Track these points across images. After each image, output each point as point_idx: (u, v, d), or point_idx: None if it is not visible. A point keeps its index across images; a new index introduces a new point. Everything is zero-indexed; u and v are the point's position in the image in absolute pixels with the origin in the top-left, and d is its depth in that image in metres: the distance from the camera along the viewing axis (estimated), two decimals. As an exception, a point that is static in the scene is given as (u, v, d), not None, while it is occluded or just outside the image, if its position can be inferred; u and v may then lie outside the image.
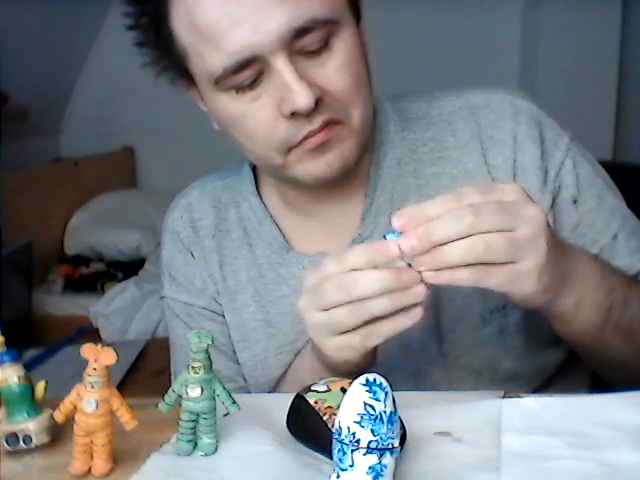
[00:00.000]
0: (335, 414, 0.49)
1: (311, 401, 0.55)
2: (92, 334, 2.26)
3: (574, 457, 0.51)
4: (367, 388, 0.46)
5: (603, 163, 0.81)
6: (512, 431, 0.55)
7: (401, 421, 0.50)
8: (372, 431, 0.45)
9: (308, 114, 0.66)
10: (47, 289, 2.56)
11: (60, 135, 3.19)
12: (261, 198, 0.83)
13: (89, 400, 0.51)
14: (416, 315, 0.58)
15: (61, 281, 2.56)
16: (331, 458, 0.48)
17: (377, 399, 0.45)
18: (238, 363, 0.82)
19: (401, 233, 0.56)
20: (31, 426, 0.56)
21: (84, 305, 2.42)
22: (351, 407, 0.46)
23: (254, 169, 0.84)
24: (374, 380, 0.46)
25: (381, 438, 0.45)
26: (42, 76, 2.63)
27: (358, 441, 0.45)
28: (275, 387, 0.79)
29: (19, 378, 0.57)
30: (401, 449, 0.49)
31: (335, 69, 0.68)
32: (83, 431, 0.52)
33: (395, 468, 0.47)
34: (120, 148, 3.27)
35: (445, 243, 0.55)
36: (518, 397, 0.60)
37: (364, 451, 0.45)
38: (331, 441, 0.47)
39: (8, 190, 2.26)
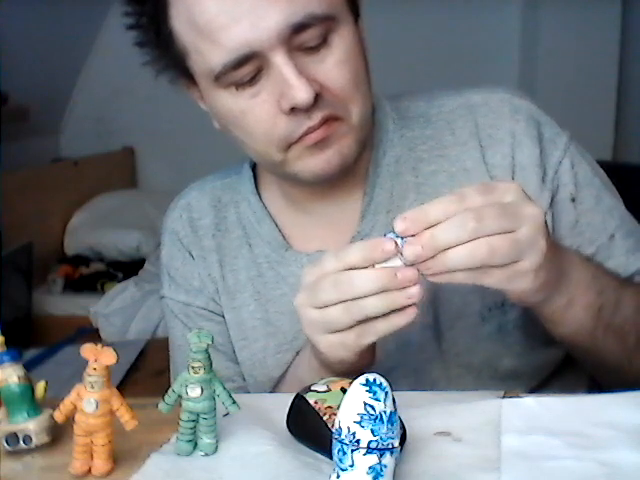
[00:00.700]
0: (335, 414, 0.49)
1: (311, 401, 0.55)
2: (92, 334, 2.26)
3: (574, 457, 0.51)
4: (367, 388, 0.46)
5: (603, 163, 0.81)
6: (512, 431, 0.55)
7: (401, 421, 0.50)
8: (372, 431, 0.45)
9: (307, 110, 0.67)
10: (47, 289, 2.56)
11: (60, 135, 3.19)
12: (260, 197, 0.83)
13: (89, 400, 0.51)
14: (410, 315, 0.58)
15: (61, 281, 2.56)
16: (331, 458, 0.48)
17: (377, 399, 0.46)
18: (237, 363, 0.83)
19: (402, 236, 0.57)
20: (31, 426, 0.56)
21: (84, 305, 2.42)
22: (351, 407, 0.46)
23: (254, 168, 0.85)
24: (374, 380, 0.46)
25: (381, 438, 0.45)
26: (42, 76, 2.63)
27: (358, 441, 0.45)
28: (275, 386, 0.79)
29: (19, 378, 0.57)
30: (401, 449, 0.49)
31: (334, 65, 0.68)
32: (83, 431, 0.52)
33: (395, 468, 0.47)
34: (120, 148, 3.27)
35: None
36: (518, 397, 0.60)
37: (364, 451, 0.45)
38: (331, 441, 0.47)
39: (8, 190, 2.26)
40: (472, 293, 0.74)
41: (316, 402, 0.55)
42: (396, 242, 0.56)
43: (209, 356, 0.53)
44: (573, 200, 0.75)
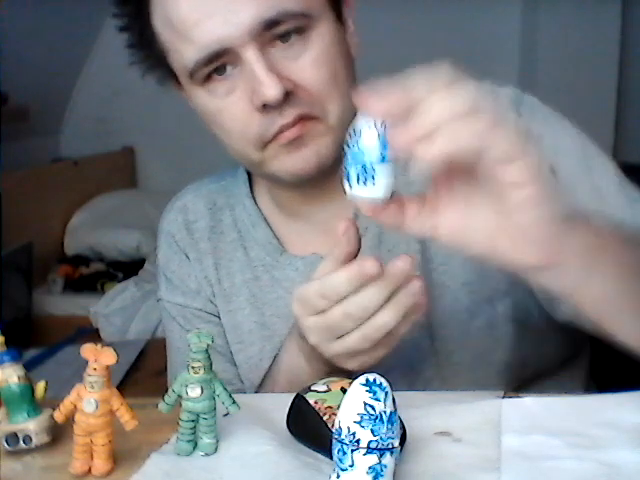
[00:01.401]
0: (335, 414, 0.49)
1: (311, 401, 0.55)
2: (92, 334, 2.26)
3: (574, 457, 0.51)
4: (367, 388, 0.46)
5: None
6: (512, 431, 0.55)
7: (401, 421, 0.50)
8: (372, 431, 0.45)
9: (280, 107, 0.66)
10: (47, 289, 2.56)
11: (60, 135, 3.19)
12: (255, 200, 0.83)
13: (89, 400, 0.51)
14: (421, 307, 0.59)
15: (61, 281, 2.56)
16: (331, 458, 0.48)
17: (377, 399, 0.46)
18: (235, 365, 0.82)
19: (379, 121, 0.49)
20: (31, 426, 0.56)
21: (84, 305, 2.42)
22: (351, 407, 0.46)
23: (249, 172, 0.85)
24: (374, 380, 0.46)
25: (381, 438, 0.45)
26: (42, 76, 2.63)
27: (358, 441, 0.45)
28: (260, 387, 0.78)
29: (19, 378, 0.57)
30: (401, 449, 0.49)
31: (309, 63, 0.68)
32: (83, 431, 0.52)
33: (395, 468, 0.47)
34: (120, 148, 3.27)
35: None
36: (518, 397, 0.60)
37: (364, 451, 0.45)
38: (331, 441, 0.47)
39: (8, 190, 2.26)
40: (461, 289, 0.74)
41: (316, 402, 0.55)
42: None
43: (209, 356, 0.53)
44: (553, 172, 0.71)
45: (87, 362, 0.52)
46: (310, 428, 0.55)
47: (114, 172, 3.20)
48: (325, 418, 0.53)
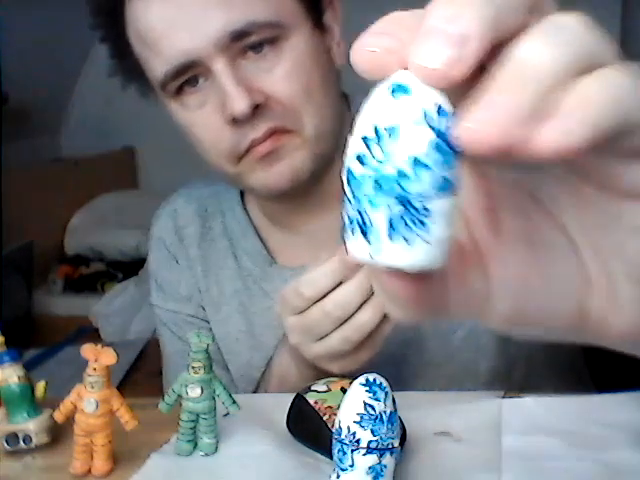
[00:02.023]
0: (335, 414, 0.49)
1: (311, 401, 0.55)
2: (92, 334, 2.26)
3: (574, 457, 0.51)
4: (367, 388, 0.46)
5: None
6: (512, 431, 0.55)
7: (401, 421, 0.50)
8: (372, 431, 0.45)
9: (251, 121, 0.65)
10: (47, 289, 2.56)
11: (60, 135, 3.19)
12: (246, 208, 0.82)
13: (89, 400, 0.51)
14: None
15: (61, 281, 2.56)
16: (331, 458, 0.48)
17: (377, 399, 0.45)
18: (229, 371, 0.81)
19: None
20: (31, 426, 0.56)
21: (84, 305, 2.42)
22: (351, 407, 0.46)
23: None
24: (374, 380, 0.46)
25: (381, 438, 0.45)
26: (42, 76, 2.63)
27: (358, 441, 0.45)
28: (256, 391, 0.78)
29: (19, 378, 0.57)
30: (401, 449, 0.49)
31: (282, 75, 0.66)
32: (83, 431, 0.52)
33: (395, 468, 0.47)
34: (120, 148, 3.27)
35: None
36: (518, 397, 0.60)
37: (364, 451, 0.45)
38: (331, 441, 0.47)
39: (8, 190, 2.26)
40: None
41: (316, 402, 0.55)
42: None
43: (209, 356, 0.53)
44: None
45: (87, 362, 0.52)
46: (310, 428, 0.55)
47: (114, 172, 3.20)
48: (325, 418, 0.53)
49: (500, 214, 0.26)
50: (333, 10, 0.73)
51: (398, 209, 0.22)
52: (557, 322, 0.27)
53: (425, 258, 0.22)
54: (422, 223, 0.22)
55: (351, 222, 0.23)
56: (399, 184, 0.22)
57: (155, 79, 0.69)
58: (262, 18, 0.64)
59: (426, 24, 0.21)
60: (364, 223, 0.23)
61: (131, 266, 2.60)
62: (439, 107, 0.21)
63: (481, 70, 0.21)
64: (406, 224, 0.22)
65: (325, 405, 0.54)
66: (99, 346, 0.52)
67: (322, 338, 0.59)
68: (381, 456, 0.46)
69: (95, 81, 3.16)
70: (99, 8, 0.71)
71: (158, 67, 0.67)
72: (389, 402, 0.46)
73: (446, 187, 0.22)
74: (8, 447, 0.56)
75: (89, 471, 0.53)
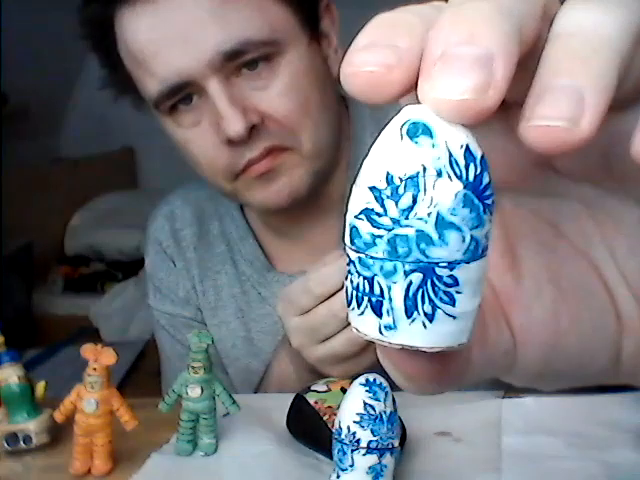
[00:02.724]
0: (335, 414, 0.49)
1: (311, 401, 0.55)
2: (92, 334, 2.26)
3: (574, 457, 0.51)
4: (367, 388, 0.46)
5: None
6: (512, 431, 0.55)
7: (401, 421, 0.50)
8: (372, 431, 0.45)
9: (247, 140, 0.64)
10: (47, 289, 2.56)
11: (60, 135, 3.19)
12: (244, 211, 0.81)
13: (89, 400, 0.51)
14: None
15: (61, 281, 2.56)
16: (331, 458, 0.48)
17: (377, 399, 0.45)
18: (228, 373, 0.81)
19: None
20: (31, 426, 0.56)
21: (84, 305, 2.42)
22: (351, 407, 0.46)
23: None
24: (374, 380, 0.46)
25: (381, 438, 0.45)
26: (42, 76, 2.62)
27: (358, 441, 0.45)
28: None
29: (19, 378, 0.57)
30: (401, 449, 0.49)
31: (278, 93, 0.64)
32: (83, 431, 0.52)
33: (395, 468, 0.47)
34: (120, 148, 3.27)
35: None
36: (518, 397, 0.60)
37: (364, 451, 0.45)
38: (331, 441, 0.47)
39: (8, 190, 2.26)
40: None
41: (316, 402, 0.55)
42: None
43: (209, 356, 0.53)
44: None
45: (87, 362, 0.52)
46: (310, 428, 0.55)
47: (114, 172, 3.20)
48: (325, 418, 0.53)
49: (519, 251, 0.23)
50: (330, 16, 0.71)
51: (418, 279, 0.18)
52: (590, 368, 0.24)
53: (449, 336, 0.18)
54: (448, 296, 0.18)
55: (357, 292, 0.19)
56: (419, 248, 0.18)
57: (148, 97, 0.67)
58: (257, 36, 0.63)
59: (434, 51, 0.17)
60: (374, 294, 0.18)
61: (131, 266, 2.60)
62: (467, 150, 0.18)
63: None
64: (428, 298, 0.18)
65: (325, 405, 0.54)
66: (99, 346, 0.52)
67: (326, 340, 0.59)
68: (381, 456, 0.46)
69: (95, 81, 3.16)
70: (89, 20, 0.70)
71: (150, 86, 0.66)
72: (389, 402, 0.46)
73: (477, 250, 0.18)
74: (8, 447, 0.56)
75: (89, 471, 0.53)
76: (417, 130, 0.18)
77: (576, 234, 0.23)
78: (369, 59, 0.17)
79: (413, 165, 0.17)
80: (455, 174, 0.17)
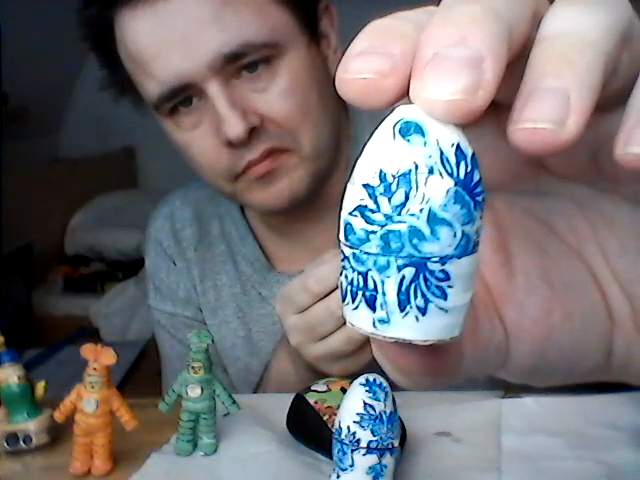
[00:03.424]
0: (335, 414, 0.49)
1: (311, 401, 0.55)
2: (92, 334, 2.26)
3: (574, 457, 0.51)
4: (367, 388, 0.46)
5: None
6: (512, 431, 0.55)
7: (401, 421, 0.50)
8: (372, 431, 0.45)
9: (247, 142, 0.64)
10: (47, 289, 2.56)
11: (60, 135, 3.19)
12: (244, 213, 0.81)
13: (89, 400, 0.51)
14: None
15: (61, 281, 2.56)
16: (331, 458, 0.48)
17: (377, 399, 0.45)
18: (228, 373, 0.81)
19: None
20: (31, 426, 0.56)
21: (84, 305, 2.42)
22: (351, 407, 0.46)
23: None
24: (374, 380, 0.46)
25: (381, 438, 0.45)
26: (42, 76, 2.62)
27: (358, 441, 0.45)
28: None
29: (19, 378, 0.57)
30: (401, 449, 0.49)
31: (277, 95, 0.65)
32: (83, 431, 0.52)
33: (395, 468, 0.47)
34: (120, 148, 3.27)
35: None
36: (518, 397, 0.60)
37: (364, 451, 0.45)
38: (331, 441, 0.47)
39: (8, 190, 2.26)
40: None
41: (316, 402, 0.55)
42: None
43: (209, 356, 0.53)
44: None
45: (87, 362, 0.52)
46: (310, 428, 0.55)
47: (114, 172, 3.20)
48: (325, 418, 0.53)
49: (512, 250, 0.24)
50: (329, 17, 0.71)
51: (411, 274, 0.18)
52: (582, 366, 0.24)
53: (441, 329, 0.19)
54: (440, 290, 0.19)
55: (352, 286, 0.19)
56: (412, 244, 0.18)
57: (148, 99, 0.68)
58: (257, 39, 0.63)
59: (426, 53, 0.17)
60: (368, 289, 0.19)
61: (131, 266, 2.60)
62: (458, 148, 0.18)
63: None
64: (420, 292, 0.19)
65: (325, 405, 0.54)
66: (99, 346, 0.52)
67: (324, 338, 0.59)
68: (381, 456, 0.46)
69: (95, 81, 3.16)
70: (88, 22, 0.70)
71: (151, 88, 0.66)
72: (389, 402, 0.46)
73: (468, 245, 0.19)
74: (8, 447, 0.56)
75: (89, 471, 0.53)
76: (409, 129, 0.18)
77: (568, 233, 0.23)
78: (364, 66, 0.18)
79: (405, 163, 0.18)
80: (446, 171, 0.18)
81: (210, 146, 0.66)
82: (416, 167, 0.18)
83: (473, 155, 0.18)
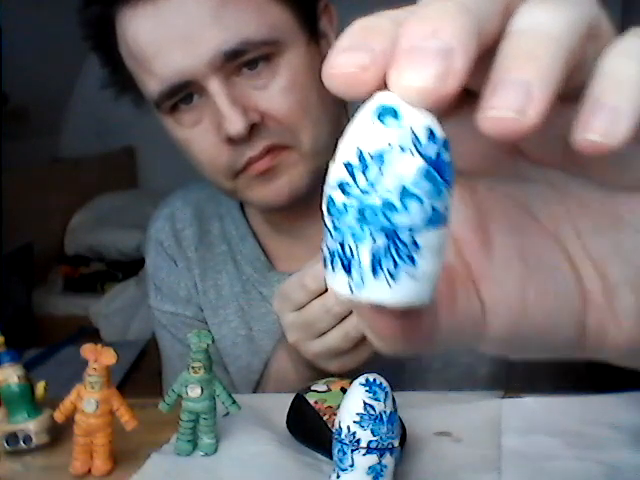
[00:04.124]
0: (335, 414, 0.49)
1: (311, 401, 0.55)
2: (92, 334, 2.26)
3: (574, 457, 0.51)
4: (367, 388, 0.46)
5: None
6: (512, 431, 0.55)
7: (401, 421, 0.50)
8: (372, 431, 0.45)
9: (248, 139, 0.64)
10: (47, 289, 2.56)
11: (60, 135, 3.19)
12: (244, 212, 0.82)
13: (89, 400, 0.51)
14: None
15: (61, 281, 2.56)
16: (331, 458, 0.48)
17: (377, 399, 0.45)
18: (228, 372, 0.81)
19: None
20: (31, 426, 0.56)
21: (84, 305, 2.42)
22: (351, 407, 0.46)
23: None
24: (374, 380, 0.46)
25: (381, 438, 0.45)
26: (42, 76, 2.63)
27: (358, 441, 0.45)
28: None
29: (19, 378, 0.57)
30: (401, 449, 0.49)
31: (277, 92, 0.65)
32: (83, 431, 0.52)
33: (395, 468, 0.47)
34: (120, 148, 3.27)
35: None
36: (518, 397, 0.60)
37: (364, 451, 0.45)
38: (331, 441, 0.47)
39: (8, 190, 2.26)
40: None
41: (316, 402, 0.55)
42: None
43: (209, 356, 0.53)
44: None
45: (87, 362, 0.52)
46: (310, 428, 0.55)
47: (114, 172, 3.20)
48: (325, 418, 0.53)
49: (491, 231, 0.25)
50: (328, 16, 0.72)
51: (383, 242, 0.20)
52: (556, 341, 0.26)
53: (411, 295, 0.21)
54: (409, 258, 0.20)
55: (332, 254, 0.21)
56: (385, 215, 0.20)
57: (149, 97, 0.68)
58: (257, 36, 0.64)
59: (402, 45, 0.19)
60: (345, 256, 0.21)
61: (131, 266, 2.60)
62: (429, 131, 0.20)
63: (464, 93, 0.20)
64: (392, 259, 0.20)
65: (325, 405, 0.55)
66: (99, 346, 0.52)
67: (321, 335, 0.59)
68: (381, 456, 0.46)
69: (95, 81, 3.16)
70: (89, 21, 0.71)
71: (152, 86, 0.66)
72: (389, 402, 0.46)
73: (436, 219, 0.20)
74: (8, 447, 0.56)
75: (89, 471, 0.53)
76: (385, 113, 0.20)
77: (545, 216, 0.25)
78: (347, 61, 0.20)
79: (381, 143, 0.20)
80: (418, 151, 0.20)
81: (211, 143, 0.67)
82: (390, 147, 0.20)
83: (445, 140, 0.20)
